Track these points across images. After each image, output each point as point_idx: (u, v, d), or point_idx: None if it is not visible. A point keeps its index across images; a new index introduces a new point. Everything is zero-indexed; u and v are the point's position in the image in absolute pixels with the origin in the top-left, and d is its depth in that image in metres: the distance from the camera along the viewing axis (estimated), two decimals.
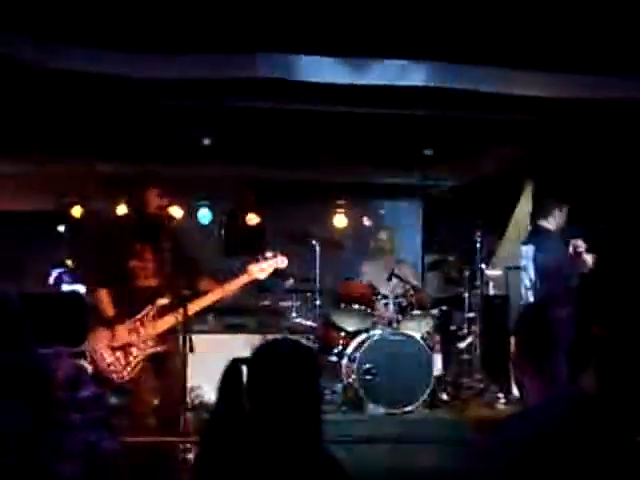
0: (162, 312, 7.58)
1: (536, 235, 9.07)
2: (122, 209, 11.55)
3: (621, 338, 2.65)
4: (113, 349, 7.48)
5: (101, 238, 7.98)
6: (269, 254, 7.93)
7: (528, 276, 9.19)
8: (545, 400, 2.82)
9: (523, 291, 9.22)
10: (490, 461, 2.73)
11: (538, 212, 9.01)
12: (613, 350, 2.72)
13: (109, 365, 7.49)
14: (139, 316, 7.55)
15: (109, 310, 7.51)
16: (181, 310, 7.44)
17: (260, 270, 7.85)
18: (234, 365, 3.14)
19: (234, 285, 7.74)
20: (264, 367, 3.15)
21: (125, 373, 7.54)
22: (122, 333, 7.50)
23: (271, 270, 7.92)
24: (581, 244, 8.59)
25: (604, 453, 2.68)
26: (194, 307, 7.56)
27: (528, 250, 9.15)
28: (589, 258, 8.65)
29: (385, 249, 10.42)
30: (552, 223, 8.85)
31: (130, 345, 7.54)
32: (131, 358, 7.56)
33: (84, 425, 3.21)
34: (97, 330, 7.52)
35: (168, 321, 7.58)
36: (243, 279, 7.79)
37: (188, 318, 7.48)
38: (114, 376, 7.50)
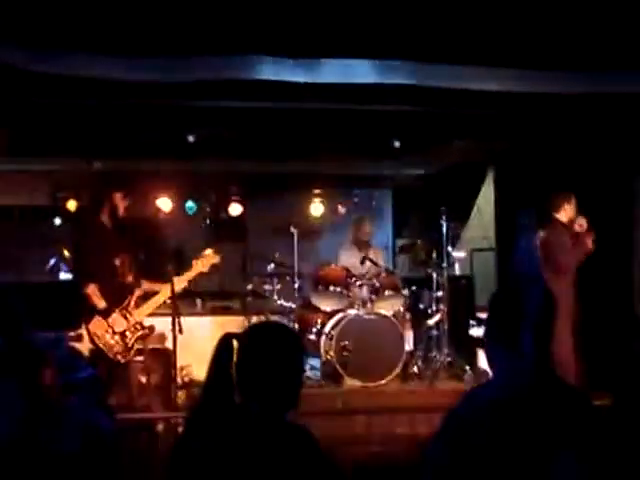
0: (140, 301, 8.19)
1: (554, 227, 8.92)
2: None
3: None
4: (114, 333, 7.95)
5: (89, 239, 8.21)
6: (208, 251, 8.64)
7: None
8: (513, 373, 2.85)
9: None
10: (459, 426, 2.75)
11: (551, 206, 8.91)
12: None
13: (112, 347, 7.96)
14: (124, 305, 8.07)
15: (101, 302, 7.94)
16: (167, 295, 8.24)
17: (202, 265, 8.48)
18: (226, 338, 3.21)
19: (186, 277, 8.40)
20: (255, 343, 3.22)
21: (126, 353, 8.05)
22: (119, 320, 8.02)
23: (210, 264, 8.57)
24: (584, 222, 8.59)
25: (567, 419, 2.71)
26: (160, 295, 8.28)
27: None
28: (589, 239, 8.62)
29: (366, 239, 10.43)
30: (564, 216, 8.79)
31: (124, 330, 8.03)
32: (127, 340, 8.06)
33: (81, 405, 3.21)
34: (95, 318, 7.91)
35: (148, 308, 8.23)
36: (191, 273, 8.43)
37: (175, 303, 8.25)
38: (118, 357, 7.99)
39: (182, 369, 9.74)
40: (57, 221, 13.17)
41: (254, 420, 3.09)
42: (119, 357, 8.00)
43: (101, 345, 7.88)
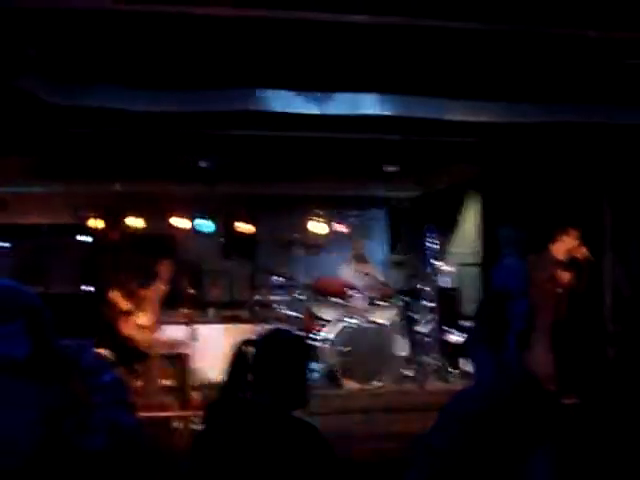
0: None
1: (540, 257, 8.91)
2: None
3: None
4: (141, 328, 8.35)
5: (110, 253, 8.58)
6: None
7: None
8: (497, 376, 2.84)
9: None
10: (447, 423, 2.75)
11: (547, 236, 8.90)
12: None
13: (141, 342, 8.37)
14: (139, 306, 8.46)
15: (126, 304, 8.27)
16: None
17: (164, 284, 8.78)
18: (243, 345, 3.33)
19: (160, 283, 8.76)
20: (271, 348, 3.31)
21: (152, 347, 8.51)
22: (143, 318, 8.39)
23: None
24: (585, 252, 8.54)
25: (544, 417, 2.71)
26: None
27: None
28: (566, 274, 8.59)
29: (359, 253, 10.43)
30: (561, 246, 8.73)
31: (147, 326, 8.46)
32: (150, 335, 8.50)
33: (105, 405, 3.19)
34: (123, 318, 8.11)
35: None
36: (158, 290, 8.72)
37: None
38: (148, 350, 8.44)
39: (196, 372, 9.73)
40: (80, 238, 13.18)
41: (266, 414, 3.15)
42: (148, 350, 8.41)
43: (133, 341, 8.09)
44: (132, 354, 8.20)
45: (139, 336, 8.24)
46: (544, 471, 2.59)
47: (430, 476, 2.65)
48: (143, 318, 8.31)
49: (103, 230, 8.41)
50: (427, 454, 2.70)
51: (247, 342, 3.31)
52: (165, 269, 8.76)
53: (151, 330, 8.43)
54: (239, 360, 3.26)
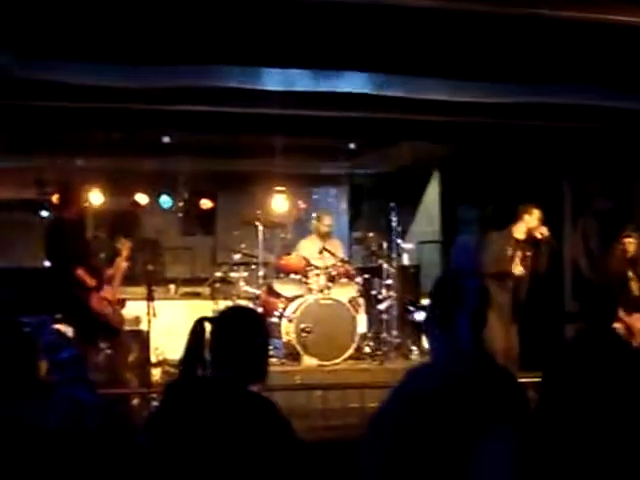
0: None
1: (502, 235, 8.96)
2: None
3: None
4: (110, 304, 8.35)
5: (73, 229, 8.45)
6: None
7: None
8: (450, 354, 2.89)
9: None
10: (399, 400, 2.79)
11: (510, 215, 8.97)
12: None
13: (112, 318, 8.39)
14: (107, 281, 8.48)
15: (92, 281, 8.22)
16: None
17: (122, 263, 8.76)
18: (200, 322, 3.32)
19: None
20: (228, 325, 3.33)
21: (121, 323, 8.60)
22: (111, 292, 8.43)
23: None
24: (545, 231, 8.60)
25: (498, 396, 2.76)
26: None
27: None
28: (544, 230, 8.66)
29: (327, 230, 10.41)
30: (523, 226, 8.77)
31: (115, 301, 8.50)
32: (118, 311, 8.56)
33: (64, 382, 3.22)
34: (92, 295, 8.16)
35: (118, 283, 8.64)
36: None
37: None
38: (118, 326, 8.50)
39: (156, 349, 9.75)
40: (43, 213, 13.10)
41: (224, 391, 3.17)
42: (118, 326, 8.46)
43: (103, 317, 8.08)
44: (103, 330, 8.20)
45: (108, 312, 8.22)
46: (500, 450, 2.64)
47: (380, 453, 2.70)
48: (110, 294, 8.29)
49: (65, 206, 8.31)
50: (377, 431, 2.75)
51: (204, 319, 3.33)
52: (125, 246, 8.75)
53: (120, 306, 8.43)
54: (196, 338, 3.28)
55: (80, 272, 8.09)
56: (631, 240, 9.00)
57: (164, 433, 3.11)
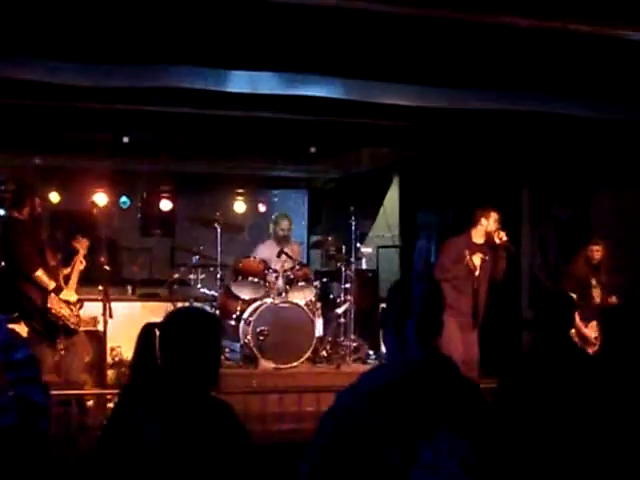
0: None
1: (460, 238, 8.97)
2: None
3: None
4: (68, 305, 8.19)
5: (33, 231, 8.36)
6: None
7: None
8: (398, 358, 2.91)
9: None
10: (352, 406, 2.80)
11: (470, 219, 8.96)
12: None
13: (69, 318, 8.19)
14: (64, 283, 8.34)
15: (51, 282, 8.11)
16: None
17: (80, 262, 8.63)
18: (148, 328, 3.30)
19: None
20: (175, 329, 3.29)
21: (79, 323, 8.39)
22: (69, 294, 8.27)
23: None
24: (504, 236, 8.60)
25: (446, 401, 2.78)
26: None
27: None
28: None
29: (285, 234, 10.40)
30: (481, 230, 8.75)
31: (72, 302, 8.29)
32: (75, 312, 8.32)
33: (18, 382, 3.20)
34: (51, 296, 8.06)
35: (73, 284, 8.45)
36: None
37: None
38: (75, 327, 8.29)
39: (112, 350, 9.71)
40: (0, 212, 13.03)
41: (178, 395, 3.15)
42: (76, 327, 8.29)
43: (61, 318, 8.08)
44: (60, 331, 8.13)
45: (66, 313, 8.15)
46: (443, 458, 2.66)
47: (325, 456, 2.70)
48: (68, 295, 8.22)
49: (19, 205, 8.21)
50: (323, 435, 2.75)
51: (152, 325, 3.30)
52: (82, 244, 8.69)
53: (78, 307, 8.36)
54: (146, 342, 3.25)
55: (39, 274, 7.99)
56: (598, 248, 9.06)
57: (122, 437, 3.07)
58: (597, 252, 9.06)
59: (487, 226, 8.73)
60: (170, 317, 3.37)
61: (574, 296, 8.40)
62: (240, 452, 3.15)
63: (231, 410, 3.22)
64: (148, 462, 2.99)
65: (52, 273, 8.18)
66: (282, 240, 10.28)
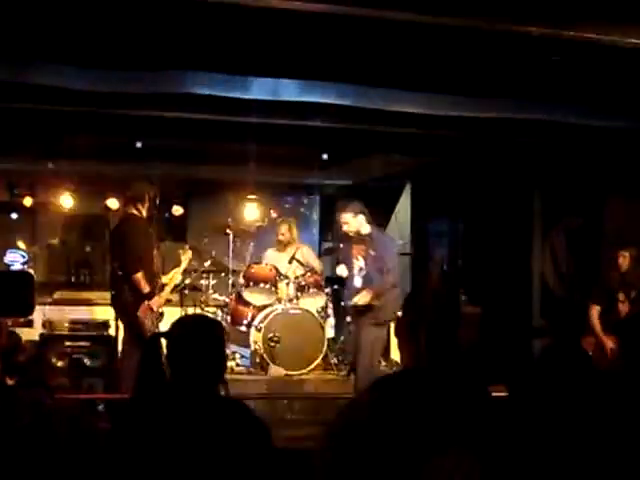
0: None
1: None
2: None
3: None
4: (152, 313, 7.82)
5: (147, 230, 8.19)
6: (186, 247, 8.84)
7: None
8: (412, 367, 2.89)
9: None
10: (366, 407, 2.77)
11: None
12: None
13: (149, 328, 7.68)
14: (157, 291, 8.01)
15: (146, 287, 7.78)
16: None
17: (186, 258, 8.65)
18: (154, 338, 3.34)
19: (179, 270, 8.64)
20: (179, 338, 3.28)
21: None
22: (157, 302, 7.92)
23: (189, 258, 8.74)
24: None
25: (458, 414, 2.75)
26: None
27: None
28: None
29: (285, 239, 10.38)
30: None
31: (158, 312, 7.97)
32: (155, 321, 7.91)
33: (23, 385, 3.18)
34: (143, 303, 7.76)
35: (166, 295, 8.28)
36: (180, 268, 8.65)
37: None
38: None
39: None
40: (14, 215, 13.06)
41: (188, 396, 3.13)
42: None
43: (143, 327, 7.72)
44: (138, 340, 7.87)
45: (148, 324, 7.78)
46: (456, 469, 2.63)
47: (333, 466, 2.67)
48: (156, 304, 7.94)
49: (141, 201, 8.00)
50: (332, 444, 2.72)
51: (158, 335, 3.32)
52: (186, 257, 8.51)
53: (159, 319, 7.96)
54: (154, 352, 3.27)
55: (138, 276, 7.74)
56: (625, 254, 8.52)
57: (137, 442, 3.04)
58: (625, 259, 8.49)
59: None
60: (173, 327, 3.37)
61: (598, 308, 8.28)
62: (262, 453, 3.12)
63: (247, 408, 3.21)
64: (168, 466, 2.95)
65: (152, 278, 7.96)
66: (283, 245, 10.28)
